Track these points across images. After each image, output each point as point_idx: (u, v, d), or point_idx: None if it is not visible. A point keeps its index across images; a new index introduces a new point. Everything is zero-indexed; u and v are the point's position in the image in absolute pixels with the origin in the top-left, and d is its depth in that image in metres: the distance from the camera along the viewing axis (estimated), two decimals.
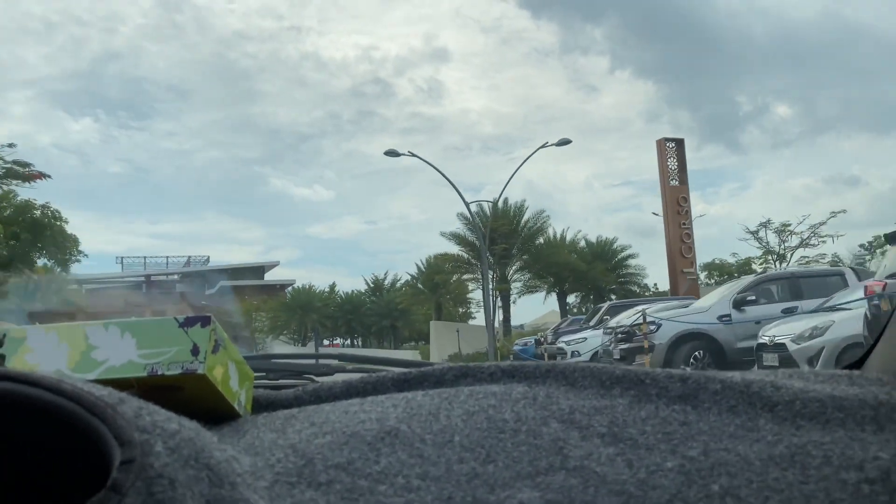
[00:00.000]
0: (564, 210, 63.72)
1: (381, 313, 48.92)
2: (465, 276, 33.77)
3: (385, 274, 53.73)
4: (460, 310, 43.16)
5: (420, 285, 38.58)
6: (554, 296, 35.59)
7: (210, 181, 78.75)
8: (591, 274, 33.44)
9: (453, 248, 33.78)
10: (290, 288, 51.02)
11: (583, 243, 36.35)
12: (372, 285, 53.02)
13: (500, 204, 29.29)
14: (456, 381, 0.65)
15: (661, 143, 26.90)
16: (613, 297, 33.83)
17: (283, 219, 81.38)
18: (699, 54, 68.86)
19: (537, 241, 33.08)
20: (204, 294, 56.60)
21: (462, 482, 0.46)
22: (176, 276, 66.46)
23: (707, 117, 66.86)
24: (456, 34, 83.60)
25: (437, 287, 35.88)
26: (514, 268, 33.93)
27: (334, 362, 1.08)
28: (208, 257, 66.47)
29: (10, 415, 0.38)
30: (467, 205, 24.93)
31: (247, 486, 0.43)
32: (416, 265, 38.47)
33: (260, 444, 0.52)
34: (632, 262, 36.65)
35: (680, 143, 27.35)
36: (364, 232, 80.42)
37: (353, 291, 52.07)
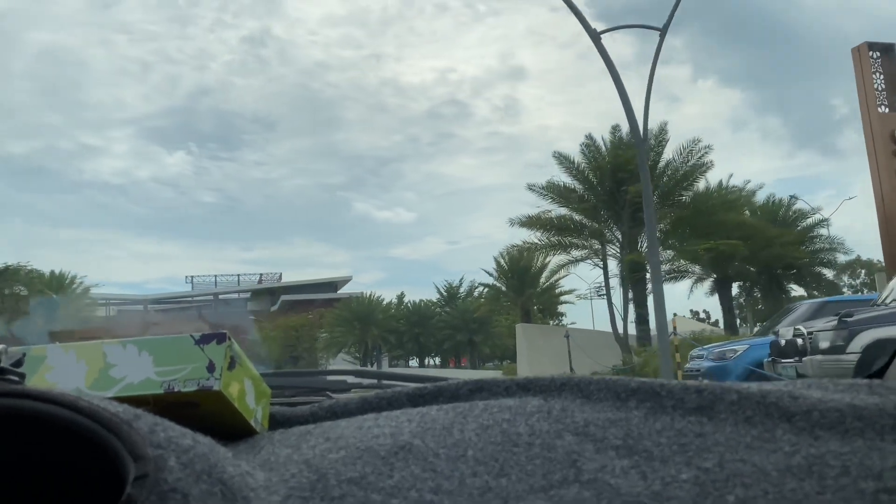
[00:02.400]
0: None
1: (454, 326, 37.46)
2: (565, 257, 21.53)
3: (460, 281, 42.44)
4: (560, 310, 31.33)
5: (501, 285, 26.61)
6: (704, 285, 22.93)
7: (296, 207, 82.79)
8: (773, 247, 20.56)
9: (540, 227, 23.12)
10: (342, 299, 40.74)
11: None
12: (445, 293, 41.45)
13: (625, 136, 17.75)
14: (471, 395, 0.65)
15: (862, 53, 16.36)
16: (794, 285, 20.87)
17: (367, 242, 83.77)
18: (788, 58, 59.78)
19: (690, 191, 20.35)
20: (269, 310, 54.95)
21: (475, 496, 0.46)
22: (247, 294, 65.08)
23: (798, 123, 57.26)
24: (532, 52, 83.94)
25: (524, 281, 23.92)
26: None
27: (351, 378, 1.08)
28: (280, 274, 65.29)
29: (30, 431, 0.40)
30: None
31: (260, 500, 0.44)
32: (496, 259, 26.63)
33: (275, 460, 0.53)
34: (822, 231, 23.31)
35: (889, 52, 16.49)
36: (446, 252, 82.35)
37: (420, 301, 40.87)
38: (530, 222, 22.25)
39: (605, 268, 20.02)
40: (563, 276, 26.56)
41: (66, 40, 74.14)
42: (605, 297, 20.85)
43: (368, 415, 0.63)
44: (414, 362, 48.94)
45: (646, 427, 0.53)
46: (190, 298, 65.81)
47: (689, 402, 0.55)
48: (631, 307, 20.09)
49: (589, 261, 22.20)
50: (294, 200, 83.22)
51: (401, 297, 45.52)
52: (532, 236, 22.52)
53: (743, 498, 0.42)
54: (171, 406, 0.59)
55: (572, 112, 78.54)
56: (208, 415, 0.61)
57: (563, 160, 21.21)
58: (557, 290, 31.38)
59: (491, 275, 31.45)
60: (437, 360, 48.86)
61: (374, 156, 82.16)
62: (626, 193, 19.25)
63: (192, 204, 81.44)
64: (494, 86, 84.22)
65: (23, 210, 70.12)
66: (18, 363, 0.55)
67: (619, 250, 20.86)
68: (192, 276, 66.59)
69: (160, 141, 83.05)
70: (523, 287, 28.40)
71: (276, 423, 0.69)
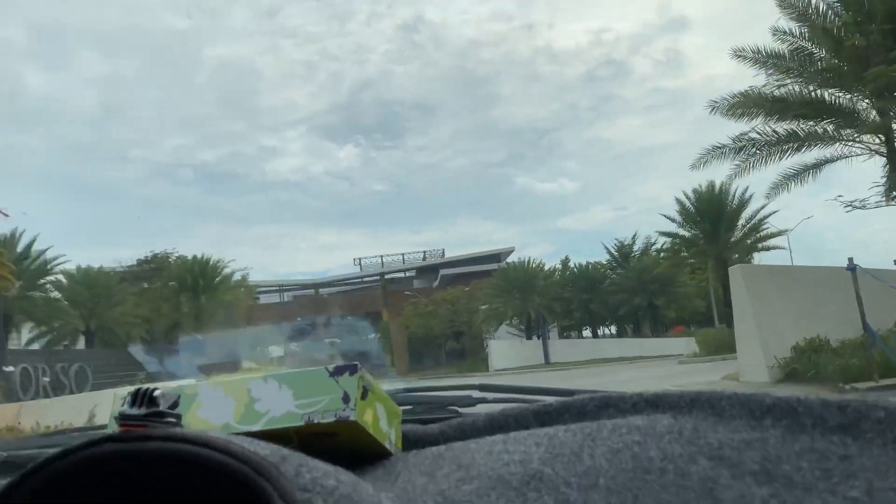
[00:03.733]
0: None
1: (630, 289, 30.82)
2: (794, 162, 14.12)
3: (633, 237, 35.49)
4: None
5: (685, 231, 19.79)
6: None
7: (460, 188, 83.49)
8: None
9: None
10: (499, 269, 35.69)
11: None
12: (616, 253, 34.59)
13: None
14: (598, 413, 0.65)
15: None
16: None
17: (532, 216, 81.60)
18: None
19: None
20: (432, 287, 53.99)
21: None
22: (412, 272, 64.09)
23: None
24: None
25: (719, 224, 17.03)
26: None
27: (476, 394, 1.04)
28: (443, 251, 63.51)
29: (187, 473, 0.43)
30: None
31: None
32: (680, 201, 19.79)
33: (412, 490, 0.56)
34: None
35: None
36: (615, 219, 76.36)
37: (586, 264, 34.46)
38: (744, 102, 14.57)
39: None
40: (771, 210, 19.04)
41: (239, 51, 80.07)
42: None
43: (497, 436, 0.64)
44: (587, 332, 42.75)
45: (784, 449, 0.50)
46: (359, 280, 66.96)
47: (830, 419, 0.51)
48: None
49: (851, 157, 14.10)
50: (457, 181, 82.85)
51: (565, 261, 39.50)
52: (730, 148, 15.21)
53: None
54: (312, 437, 0.64)
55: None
56: (347, 442, 0.66)
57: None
58: (763, 231, 23.86)
59: (673, 220, 24.64)
60: (613, 328, 42.26)
61: (533, 128, 78.38)
62: None
63: (364, 193, 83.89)
64: (653, 40, 77.87)
65: (217, 212, 76.88)
66: (175, 404, 0.61)
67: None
68: (359, 259, 66.03)
69: (330, 136, 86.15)
70: (718, 231, 21.48)
71: (409, 442, 0.72)
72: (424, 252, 65.69)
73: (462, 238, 80.00)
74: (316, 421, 0.64)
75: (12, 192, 59.96)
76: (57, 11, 70.43)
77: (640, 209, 72.97)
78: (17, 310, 22.72)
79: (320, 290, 65.95)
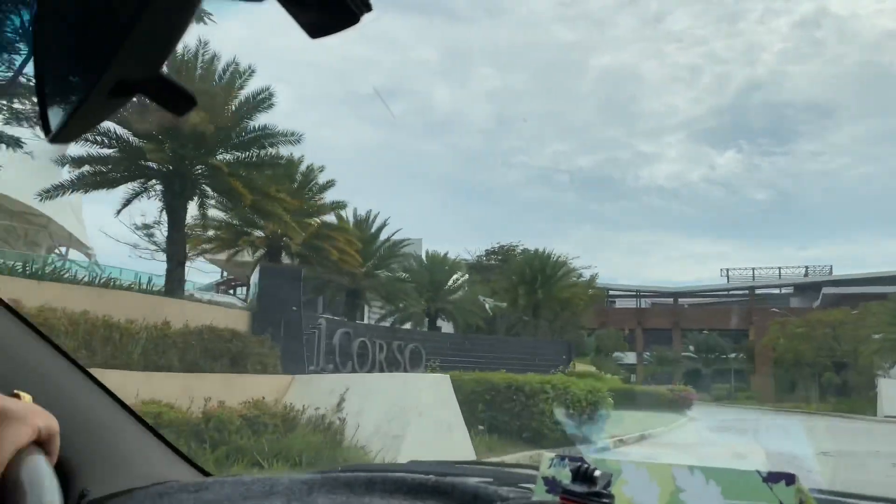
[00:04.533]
0: None
1: None
2: None
3: None
4: None
5: None
6: None
7: (861, 199, 77.43)
8: None
9: None
10: None
11: None
12: None
13: None
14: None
15: None
16: None
17: None
18: None
19: None
20: (811, 307, 46.96)
21: None
22: (788, 288, 57.46)
23: None
24: None
25: None
26: None
27: None
28: (830, 267, 55.88)
29: None
30: None
31: None
32: None
33: None
34: None
35: None
36: None
37: None
38: None
39: None
40: None
41: (623, 59, 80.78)
42: None
43: None
44: None
45: None
46: (724, 292, 62.19)
47: None
48: None
49: None
50: (858, 191, 76.29)
51: None
52: None
53: None
54: None
55: None
56: None
57: None
58: None
59: None
60: None
61: None
62: None
63: (743, 202, 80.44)
64: None
65: (590, 216, 78.27)
66: (608, 484, 0.61)
67: None
68: (727, 270, 61.64)
69: (710, 142, 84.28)
70: None
71: None
72: (806, 268, 57.90)
73: (855, 256, 73.03)
74: None
75: (419, 190, 69.61)
76: (464, 32, 79.01)
77: None
78: (366, 287, 24.37)
79: (679, 299, 61.96)
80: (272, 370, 11.52)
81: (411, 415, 8.08)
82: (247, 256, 22.42)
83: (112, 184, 14.13)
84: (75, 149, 13.25)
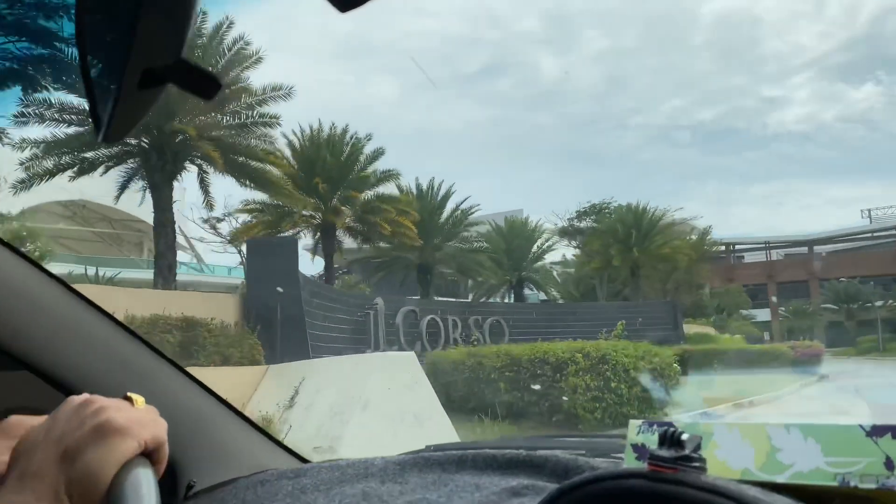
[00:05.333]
0: None
1: None
2: None
3: None
4: None
5: None
6: None
7: None
8: None
9: None
10: None
11: None
12: None
13: None
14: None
15: None
16: None
17: None
18: None
19: None
20: None
21: None
22: None
23: None
24: None
25: None
26: None
27: None
28: None
29: None
30: None
31: None
32: None
33: None
34: None
35: None
36: None
37: None
38: None
39: None
40: None
41: (736, 2, 74.12)
42: None
43: None
44: None
45: None
46: (868, 235, 56.07)
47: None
48: None
49: None
50: None
51: None
52: None
53: None
54: (844, 499, 0.61)
55: None
56: None
57: None
58: None
59: None
60: None
61: None
62: None
63: (887, 138, 72.96)
64: None
65: (716, 172, 73.82)
66: (698, 447, 0.59)
67: None
68: (869, 210, 55.49)
69: (844, 77, 77.33)
70: None
71: None
72: None
73: None
74: (852, 484, 0.59)
75: (530, 164, 68.16)
76: None
77: None
78: (434, 261, 22.69)
79: (815, 247, 56.06)
80: (248, 361, 10.24)
81: (355, 407, 6.32)
82: (308, 238, 21.45)
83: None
84: None
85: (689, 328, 28.33)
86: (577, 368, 9.11)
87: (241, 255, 19.77)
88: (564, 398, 8.94)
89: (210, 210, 17.70)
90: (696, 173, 75.83)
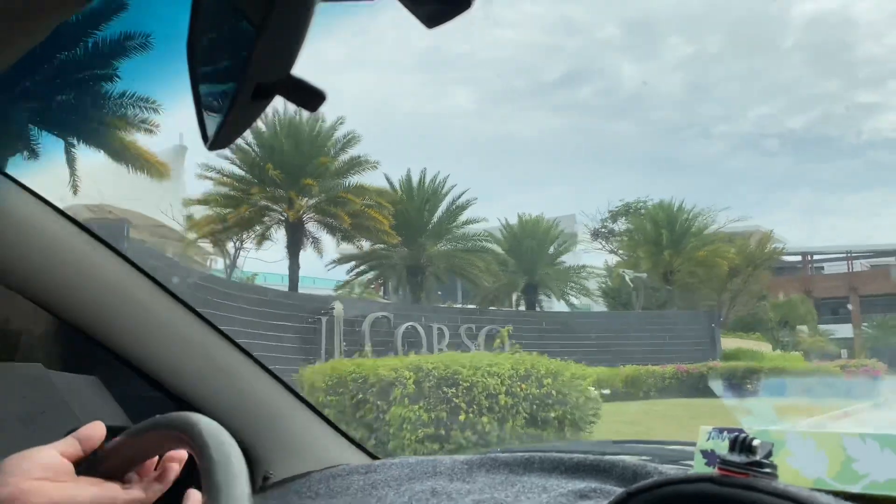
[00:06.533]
0: None
1: None
2: None
3: None
4: None
5: None
6: None
7: None
8: None
9: None
10: None
11: None
12: None
13: None
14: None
15: None
16: None
17: None
18: None
19: None
20: None
21: None
22: None
23: None
24: None
25: None
26: None
27: None
28: None
29: None
30: None
31: None
32: None
33: None
34: None
35: None
36: None
37: None
38: None
39: None
40: None
41: (828, 4, 69.36)
42: None
43: None
44: None
45: None
46: None
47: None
48: None
49: None
50: None
51: None
52: None
53: None
54: None
55: None
56: None
57: None
58: None
59: None
60: None
61: None
62: None
63: None
64: None
65: (807, 181, 69.43)
66: (769, 454, 0.59)
67: None
68: None
69: None
70: None
71: None
72: None
73: None
74: None
75: (617, 174, 66.38)
76: (646, 4, 74.42)
77: None
78: (426, 262, 20.33)
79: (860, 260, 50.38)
80: None
81: None
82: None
83: None
84: None
85: (734, 342, 24.90)
86: (402, 393, 6.32)
87: None
88: (389, 435, 6.21)
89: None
90: (786, 182, 71.50)
